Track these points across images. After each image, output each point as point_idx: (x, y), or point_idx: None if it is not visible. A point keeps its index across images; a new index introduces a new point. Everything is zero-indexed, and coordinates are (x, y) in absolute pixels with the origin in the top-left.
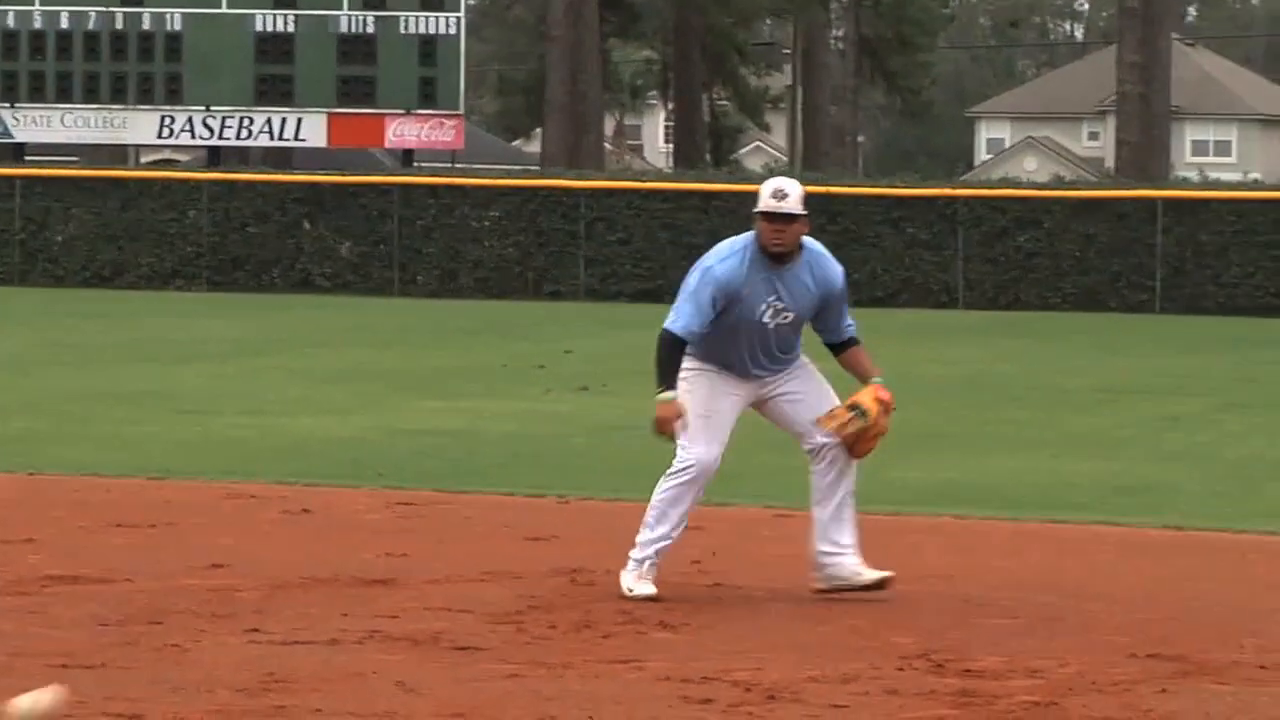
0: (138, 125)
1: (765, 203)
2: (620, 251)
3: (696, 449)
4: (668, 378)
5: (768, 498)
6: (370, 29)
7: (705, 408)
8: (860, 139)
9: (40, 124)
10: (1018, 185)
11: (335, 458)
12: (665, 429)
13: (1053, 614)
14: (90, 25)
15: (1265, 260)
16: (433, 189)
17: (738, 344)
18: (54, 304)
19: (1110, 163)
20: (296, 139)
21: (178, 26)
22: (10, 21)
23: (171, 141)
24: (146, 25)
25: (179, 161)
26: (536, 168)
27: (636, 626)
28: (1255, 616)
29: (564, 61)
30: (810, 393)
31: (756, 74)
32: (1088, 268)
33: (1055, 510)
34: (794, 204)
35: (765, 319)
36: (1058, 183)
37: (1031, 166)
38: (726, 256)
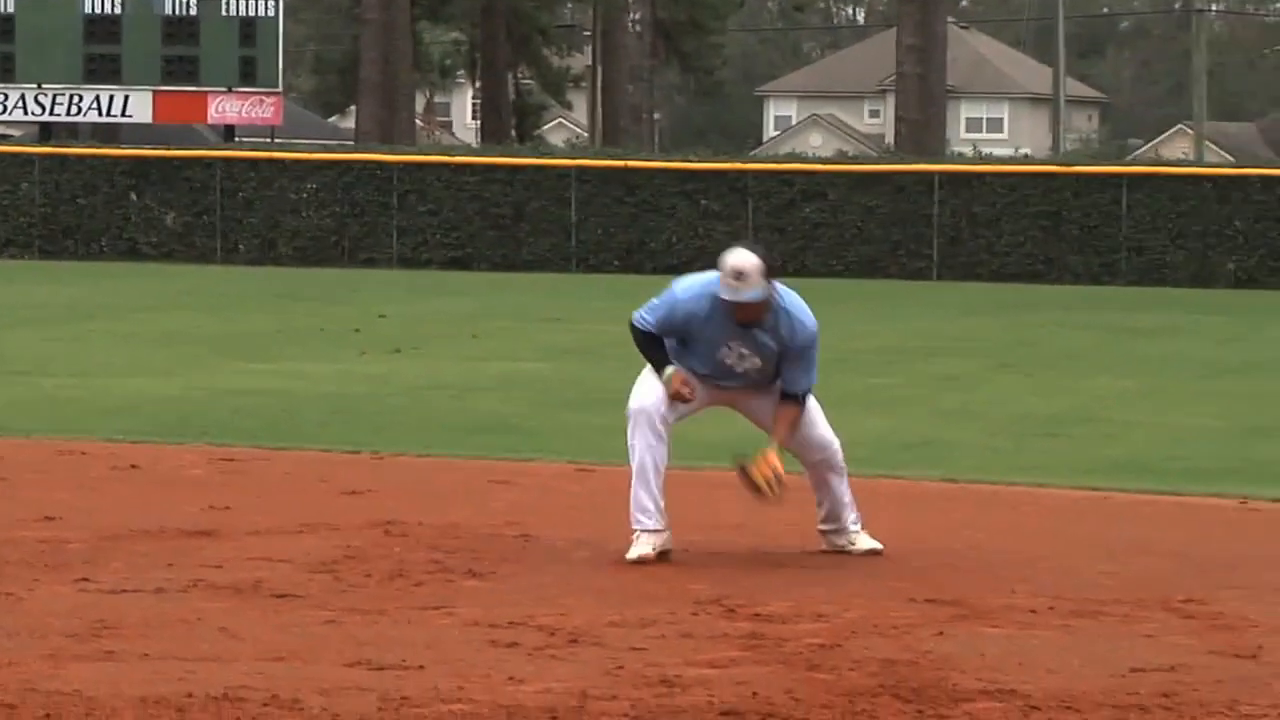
0: None
1: (724, 286)
2: (431, 222)
3: (634, 400)
4: (657, 359)
5: (570, 454)
6: (193, 11)
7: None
8: (656, 116)
9: None
10: (804, 160)
11: (161, 417)
12: (680, 396)
13: (836, 562)
14: None
15: (1034, 230)
16: (253, 163)
17: (705, 367)
18: None
19: (890, 139)
20: (124, 115)
21: (10, 9)
22: None
23: (4, 118)
24: None
25: (12, 136)
26: (351, 143)
27: (447, 575)
28: (1025, 563)
29: (376, 42)
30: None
31: (558, 54)
32: (869, 238)
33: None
34: (751, 291)
35: (728, 361)
36: (841, 157)
37: (817, 142)
38: (696, 295)
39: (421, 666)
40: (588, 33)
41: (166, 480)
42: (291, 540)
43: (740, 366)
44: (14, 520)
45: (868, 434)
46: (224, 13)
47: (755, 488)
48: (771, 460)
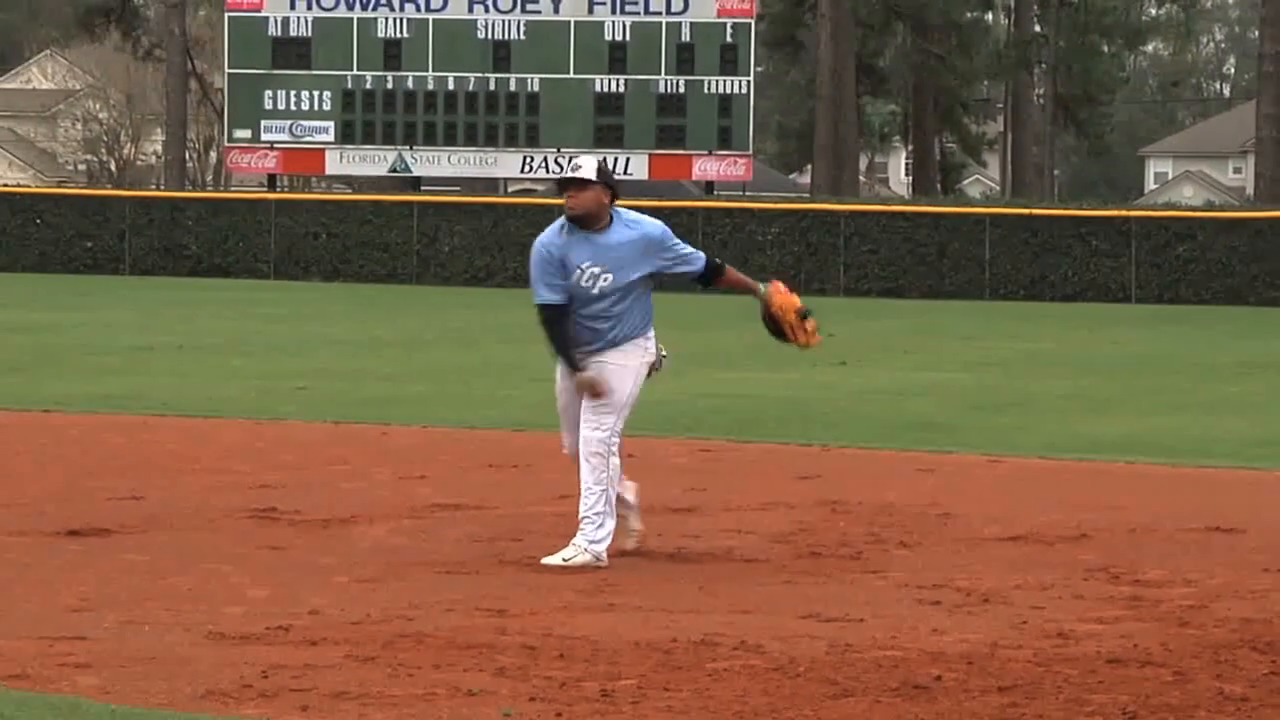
0: (505, 163)
1: (563, 174)
2: (871, 259)
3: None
4: (570, 357)
5: (984, 447)
6: (682, 90)
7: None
8: (1056, 172)
9: (432, 162)
10: (1178, 208)
11: (651, 416)
12: (599, 394)
13: (1204, 538)
14: (470, 87)
15: None
16: (729, 211)
17: (579, 316)
18: (442, 298)
19: (1250, 191)
20: (625, 173)
21: (536, 88)
22: (410, 84)
23: (531, 175)
24: (512, 87)
25: (536, 190)
26: (808, 195)
27: (881, 546)
28: None
29: (828, 114)
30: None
31: (976, 122)
32: (1232, 271)
33: (1206, 458)
34: (586, 173)
35: (584, 284)
36: (1209, 206)
37: (1189, 194)
38: (549, 232)
39: (861, 619)
40: (1000, 105)
41: (656, 466)
42: (756, 516)
43: (595, 286)
44: (534, 498)
45: (1230, 432)
46: (706, 91)
47: (807, 313)
48: (779, 289)
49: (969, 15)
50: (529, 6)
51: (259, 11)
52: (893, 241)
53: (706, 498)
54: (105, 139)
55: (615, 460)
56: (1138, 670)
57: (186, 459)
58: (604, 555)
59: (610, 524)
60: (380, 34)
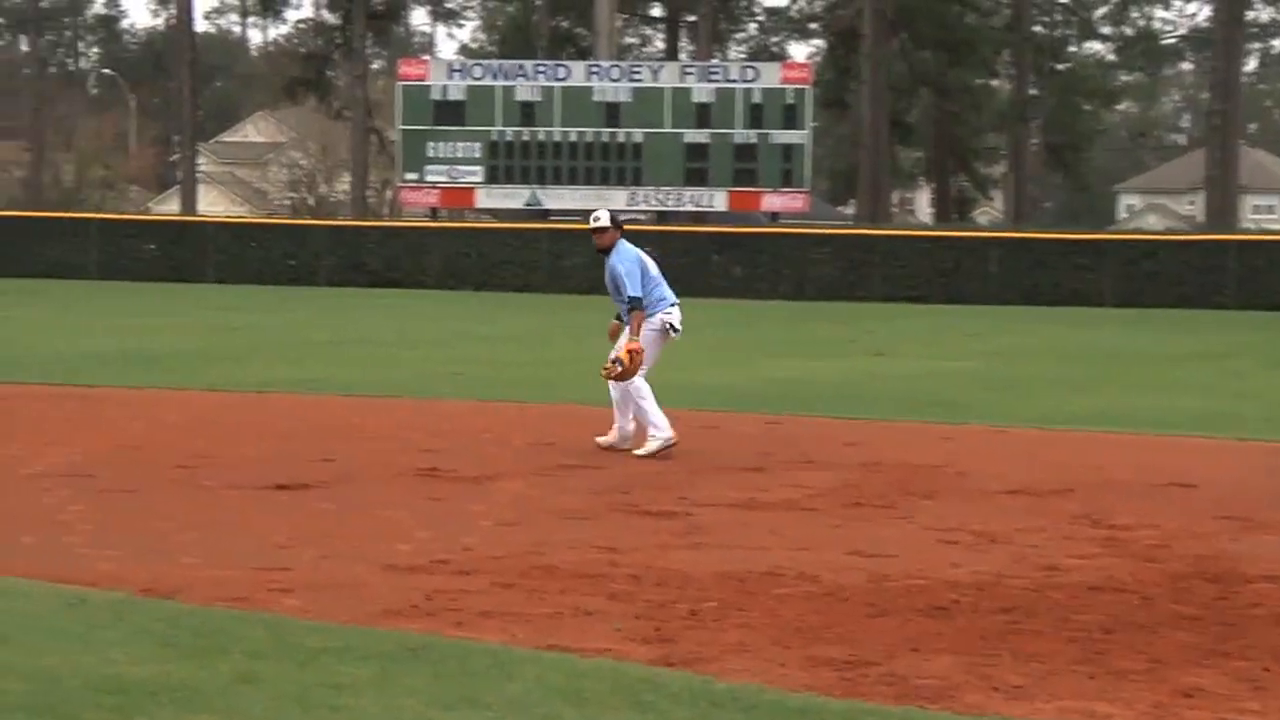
0: (614, 197)
1: (590, 224)
2: (900, 272)
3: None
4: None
5: (993, 419)
6: (754, 140)
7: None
8: (1047, 204)
9: (558, 197)
10: (1143, 232)
11: (726, 394)
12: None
13: (1165, 492)
14: (588, 139)
15: None
16: (789, 235)
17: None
18: (565, 305)
19: (1201, 218)
20: (709, 206)
21: (639, 140)
22: (541, 137)
23: (635, 208)
24: (620, 139)
25: (639, 220)
26: (852, 222)
27: (909, 497)
28: None
29: (868, 159)
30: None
31: (984, 165)
32: (1185, 281)
33: (1166, 429)
34: (603, 222)
35: (607, 280)
36: (1168, 230)
37: (1152, 220)
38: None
39: (895, 555)
40: (1003, 151)
41: (732, 435)
42: (811, 472)
43: (609, 285)
44: (639, 460)
45: (1184, 408)
46: (772, 141)
47: (619, 362)
48: (629, 346)
49: (978, 81)
50: (634, 76)
51: (424, 81)
52: (918, 258)
53: (772, 460)
54: (305, 180)
55: (638, 384)
56: (1112, 595)
57: (366, 429)
58: (671, 436)
59: (660, 419)
60: (518, 98)
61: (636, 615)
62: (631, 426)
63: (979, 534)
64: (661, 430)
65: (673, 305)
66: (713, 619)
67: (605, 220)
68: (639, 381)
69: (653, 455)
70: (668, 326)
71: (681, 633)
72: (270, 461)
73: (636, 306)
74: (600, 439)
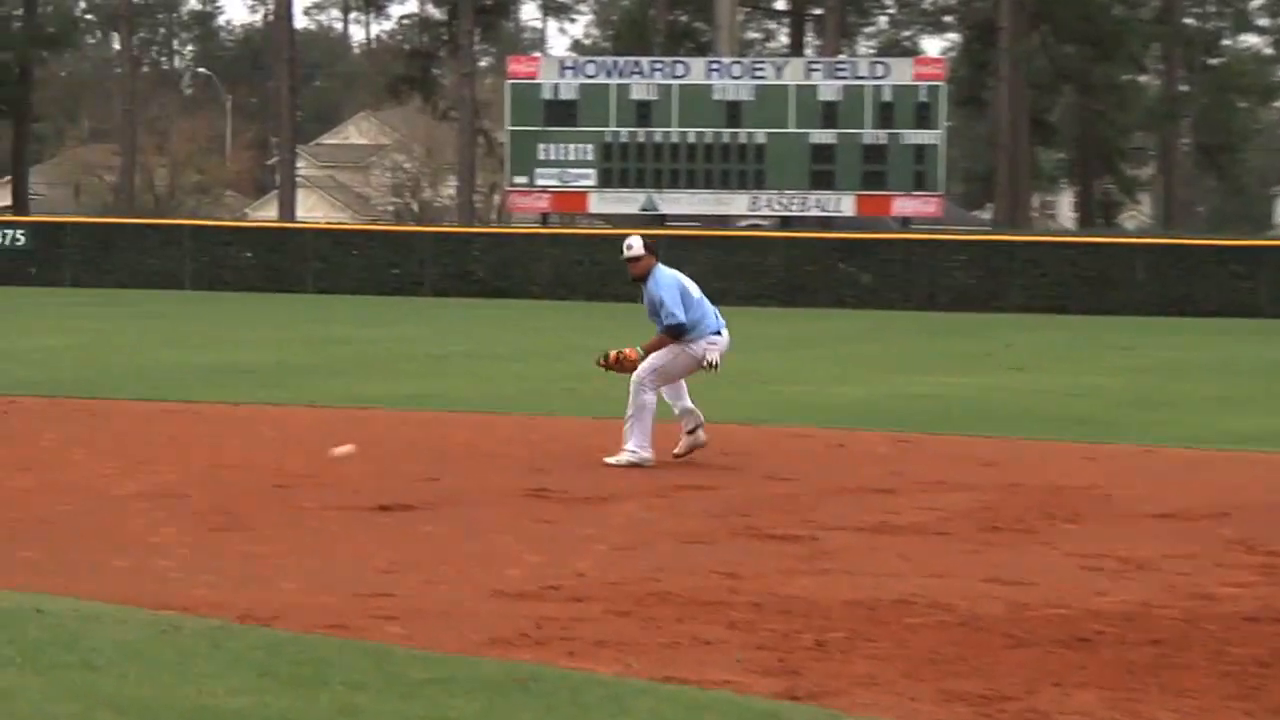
0: (735, 202)
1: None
2: (1042, 280)
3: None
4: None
5: (1139, 439)
6: (884, 141)
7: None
8: (1199, 208)
9: (675, 202)
10: None
11: (856, 411)
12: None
13: None
14: (707, 140)
15: None
16: (922, 242)
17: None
18: None
19: None
20: (836, 211)
21: (761, 141)
22: (657, 138)
23: (757, 212)
24: (742, 140)
25: (762, 225)
26: (989, 227)
27: (1051, 521)
28: None
29: (1006, 161)
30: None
31: (1131, 167)
32: None
33: None
34: (635, 251)
35: (644, 302)
36: None
37: None
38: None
39: (1035, 583)
40: (1152, 152)
41: (862, 454)
42: (945, 494)
43: (648, 311)
44: (758, 480)
45: None
46: (903, 142)
47: (605, 355)
48: (626, 350)
49: (1125, 77)
50: (757, 73)
51: (534, 79)
52: (1060, 266)
53: (904, 481)
54: (409, 185)
55: (645, 398)
56: (1270, 626)
57: (474, 447)
58: (649, 459)
59: (646, 440)
60: (633, 97)
61: (759, 645)
62: (693, 424)
63: (1125, 560)
64: (642, 450)
65: (716, 334)
66: (840, 650)
67: (639, 248)
68: (649, 396)
69: (620, 465)
70: (707, 364)
71: (807, 664)
72: (372, 481)
73: (680, 333)
74: (675, 451)
